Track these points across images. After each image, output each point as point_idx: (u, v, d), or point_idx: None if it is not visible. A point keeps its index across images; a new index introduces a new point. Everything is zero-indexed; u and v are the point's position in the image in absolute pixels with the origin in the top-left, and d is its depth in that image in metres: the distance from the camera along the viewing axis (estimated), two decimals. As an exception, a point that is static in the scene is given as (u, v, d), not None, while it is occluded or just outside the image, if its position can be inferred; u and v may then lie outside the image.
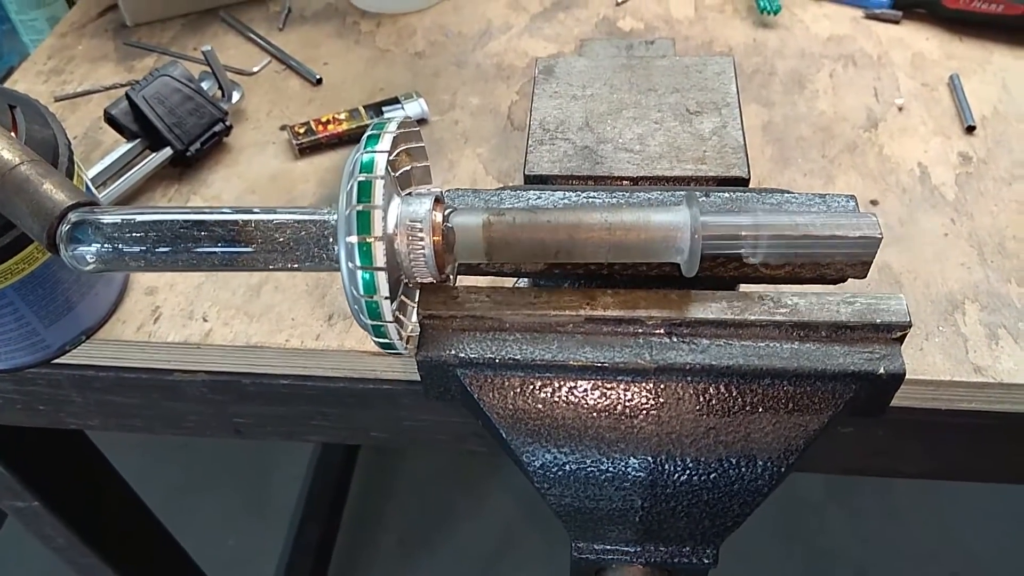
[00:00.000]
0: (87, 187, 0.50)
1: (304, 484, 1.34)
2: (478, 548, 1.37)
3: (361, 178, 0.32)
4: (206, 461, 1.50)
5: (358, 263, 0.32)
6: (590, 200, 0.40)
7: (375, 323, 0.33)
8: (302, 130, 0.65)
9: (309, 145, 0.64)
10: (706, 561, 0.37)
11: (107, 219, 0.36)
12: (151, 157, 0.62)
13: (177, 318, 0.53)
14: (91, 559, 0.80)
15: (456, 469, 1.47)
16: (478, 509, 1.41)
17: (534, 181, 0.45)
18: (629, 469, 0.36)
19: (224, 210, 0.35)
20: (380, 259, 0.32)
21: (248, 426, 0.59)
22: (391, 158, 0.35)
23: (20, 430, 0.63)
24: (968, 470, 0.57)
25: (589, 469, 0.36)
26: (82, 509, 0.76)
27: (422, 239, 0.34)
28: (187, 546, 0.99)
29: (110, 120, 0.62)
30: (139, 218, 0.35)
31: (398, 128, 0.35)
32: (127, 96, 0.61)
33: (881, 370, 0.35)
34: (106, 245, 0.35)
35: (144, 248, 0.35)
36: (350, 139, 0.65)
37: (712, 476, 0.35)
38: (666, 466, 0.35)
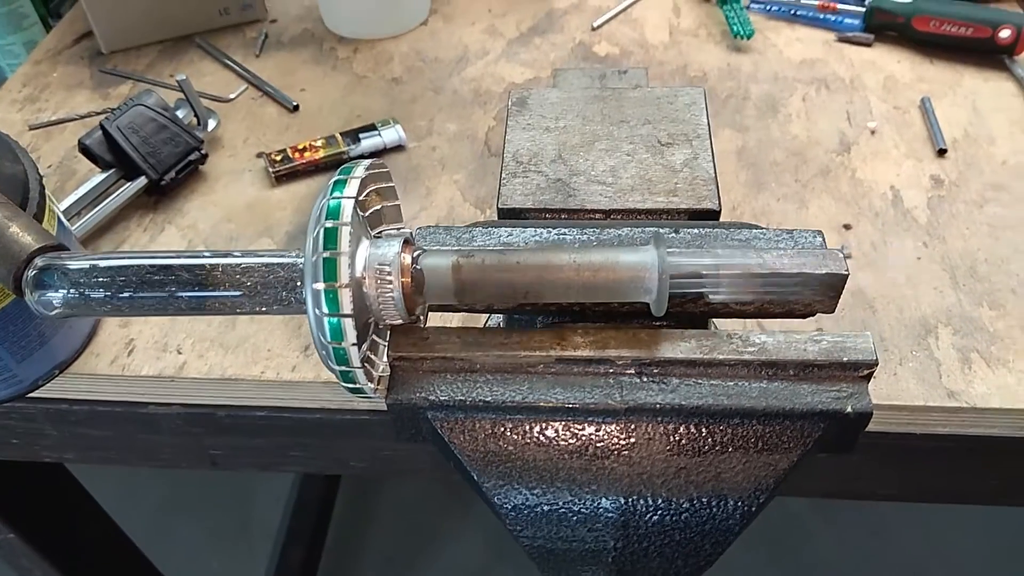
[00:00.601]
0: (59, 221, 0.49)
1: (287, 506, 1.33)
2: (462, 569, 1.36)
3: (328, 224, 0.32)
4: (187, 484, 1.49)
5: (325, 310, 0.32)
6: (561, 238, 0.40)
7: (343, 369, 0.33)
8: (278, 157, 0.65)
9: (286, 172, 0.64)
10: (679, 600, 0.38)
11: (74, 264, 0.35)
12: (126, 187, 0.61)
13: (151, 351, 0.53)
14: (69, 590, 0.79)
15: (439, 491, 1.46)
16: (462, 530, 1.41)
17: (507, 215, 0.45)
18: (601, 510, 0.36)
19: (191, 254, 0.35)
20: (347, 306, 0.32)
21: (224, 457, 0.59)
22: (360, 198, 0.35)
23: (-6, 462, 0.62)
24: (944, 493, 0.57)
25: (561, 510, 0.36)
26: (59, 540, 0.76)
27: (391, 282, 0.34)
28: (169, 572, 0.98)
29: (84, 150, 0.62)
30: (104, 263, 0.35)
31: (367, 170, 0.35)
32: (101, 126, 0.61)
33: (849, 408, 0.35)
34: (72, 291, 0.35)
35: (110, 294, 0.35)
36: (327, 166, 0.65)
37: (684, 516, 0.35)
38: (638, 506, 0.36)
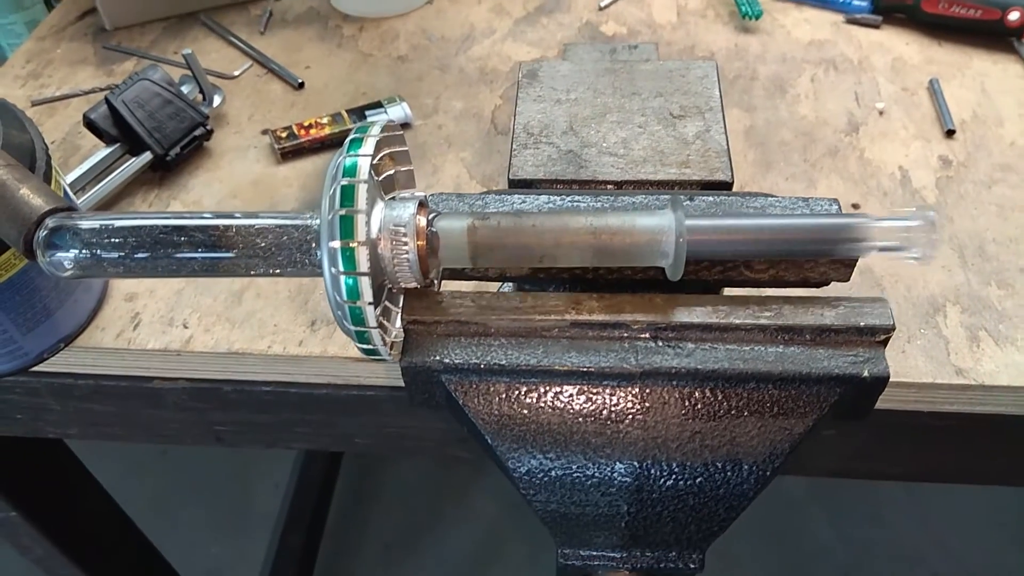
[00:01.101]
0: (65, 192, 0.49)
1: (287, 490, 1.33)
2: (464, 554, 1.36)
3: (344, 182, 0.32)
4: (188, 468, 1.48)
5: (341, 268, 0.31)
6: (575, 204, 0.40)
7: (359, 329, 0.33)
8: (284, 134, 0.64)
9: (291, 149, 0.64)
10: (692, 566, 0.37)
11: (85, 224, 0.35)
12: (131, 162, 0.61)
13: (157, 325, 0.52)
14: (70, 570, 0.78)
15: (441, 474, 1.46)
16: (464, 515, 1.41)
17: (518, 185, 0.45)
18: (615, 474, 0.36)
19: (205, 215, 0.35)
20: (363, 264, 0.31)
21: (229, 434, 0.58)
22: (374, 162, 0.35)
23: (-4, 438, 0.62)
24: (950, 472, 0.57)
25: (575, 475, 0.36)
26: (60, 519, 0.75)
27: (406, 243, 0.34)
28: (169, 555, 0.98)
29: (89, 124, 0.61)
30: (118, 223, 0.35)
31: (381, 132, 0.35)
32: (106, 100, 0.60)
33: (865, 373, 0.35)
34: (84, 251, 0.35)
35: (123, 254, 0.34)
36: (333, 143, 0.65)
37: (698, 480, 0.35)
38: (652, 471, 0.35)
